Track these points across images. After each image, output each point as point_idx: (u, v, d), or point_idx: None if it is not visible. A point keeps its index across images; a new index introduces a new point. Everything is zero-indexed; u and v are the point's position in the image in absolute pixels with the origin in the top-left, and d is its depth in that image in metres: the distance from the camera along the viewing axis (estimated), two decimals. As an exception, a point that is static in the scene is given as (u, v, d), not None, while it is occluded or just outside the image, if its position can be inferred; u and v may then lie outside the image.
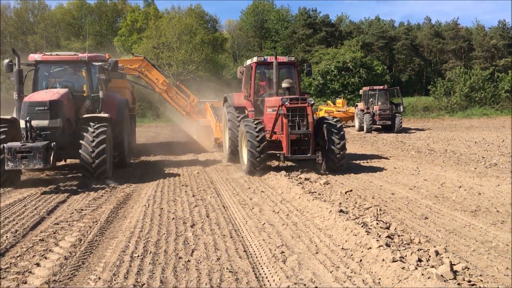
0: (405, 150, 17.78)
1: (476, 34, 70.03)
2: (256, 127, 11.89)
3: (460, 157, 15.37)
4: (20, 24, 62.16)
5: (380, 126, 28.36)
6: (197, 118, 21.46)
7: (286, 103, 11.67)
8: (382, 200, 9.09)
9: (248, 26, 69.39)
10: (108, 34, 64.19)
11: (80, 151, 10.86)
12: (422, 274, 4.88)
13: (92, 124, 11.19)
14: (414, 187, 10.40)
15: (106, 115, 11.80)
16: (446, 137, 23.53)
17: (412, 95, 54.65)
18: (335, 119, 12.93)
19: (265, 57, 13.78)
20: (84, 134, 10.97)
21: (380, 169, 13.25)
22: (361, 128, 28.76)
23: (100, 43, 60.44)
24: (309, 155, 11.90)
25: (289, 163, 13.92)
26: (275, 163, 14.01)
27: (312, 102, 12.19)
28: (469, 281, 4.91)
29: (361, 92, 30.27)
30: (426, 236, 6.69)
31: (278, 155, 12.13)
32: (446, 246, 6.24)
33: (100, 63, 12.46)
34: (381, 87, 29.24)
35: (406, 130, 29.04)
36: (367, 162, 14.87)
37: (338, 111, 33.87)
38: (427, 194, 9.61)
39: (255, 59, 13.79)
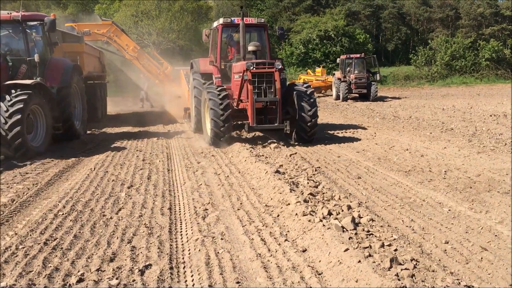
0: (370, 117, 17.98)
1: (464, 3, 69.57)
2: (219, 94, 11.01)
3: (421, 123, 15.60)
4: (-1, -8, 60.89)
5: (357, 95, 28.46)
6: (171, 86, 21.17)
7: (251, 68, 10.82)
8: (325, 162, 9.31)
9: (234, -7, 68.39)
10: (90, 2, 63.16)
11: None
12: (323, 225, 5.12)
13: (13, 92, 10.11)
14: (363, 150, 10.62)
15: (29, 81, 10.66)
16: (417, 104, 23.73)
17: (394, 64, 54.71)
18: (305, 86, 12.07)
19: (233, 19, 12.79)
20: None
21: (337, 134, 13.49)
22: (338, 97, 28.80)
23: (82, 11, 59.51)
24: (276, 124, 11.09)
25: (259, 134, 13.43)
26: (244, 134, 13.39)
27: (280, 66, 11.18)
28: (368, 231, 5.14)
29: (338, 60, 30.22)
30: (350, 194, 6.92)
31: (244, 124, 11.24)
32: (365, 202, 6.49)
33: (36, 23, 11.51)
34: (358, 55, 29.17)
35: (382, 99, 29.17)
36: (329, 129, 15.06)
37: (317, 80, 33.85)
38: (371, 156, 9.83)
39: (221, 20, 12.82)
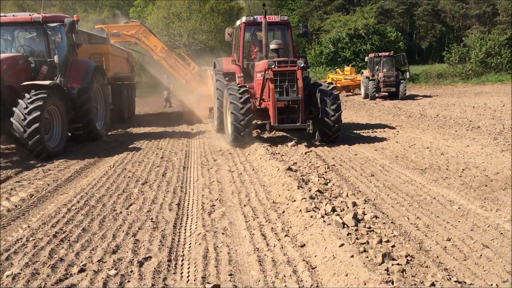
0: (396, 116, 17.71)
1: (501, -1, 67.45)
2: (241, 97, 10.80)
3: (448, 121, 15.27)
4: (38, -3, 63.12)
5: (386, 93, 28.03)
6: (198, 86, 21.32)
7: (273, 66, 10.67)
8: (341, 160, 9.26)
9: (265, -6, 68.51)
10: (125, 6, 64.70)
11: (13, 121, 9.73)
12: (324, 221, 5.14)
13: (27, 93, 10.03)
14: (382, 148, 10.51)
15: (46, 82, 10.58)
16: (447, 102, 23.21)
17: (426, 62, 53.56)
18: (329, 84, 11.79)
19: (255, 17, 12.63)
20: (16, 107, 9.84)
21: (358, 133, 13.35)
22: (366, 96, 28.48)
23: (115, 15, 61.03)
24: (298, 124, 10.82)
25: (283, 134, 13.21)
26: (265, 133, 13.07)
27: (303, 65, 10.93)
28: (369, 228, 5.11)
29: (366, 59, 29.90)
30: (359, 191, 6.88)
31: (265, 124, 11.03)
32: (373, 199, 6.44)
33: (56, 24, 11.52)
34: (387, 53, 28.76)
35: (412, 97, 28.65)
36: (351, 127, 14.93)
37: (346, 78, 33.57)
38: (389, 154, 9.71)
39: (243, 19, 12.65)
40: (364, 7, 58.52)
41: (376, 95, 27.84)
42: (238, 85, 11.42)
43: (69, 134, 12.07)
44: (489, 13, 70.01)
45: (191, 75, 21.86)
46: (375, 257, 4.16)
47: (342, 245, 4.44)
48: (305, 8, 65.09)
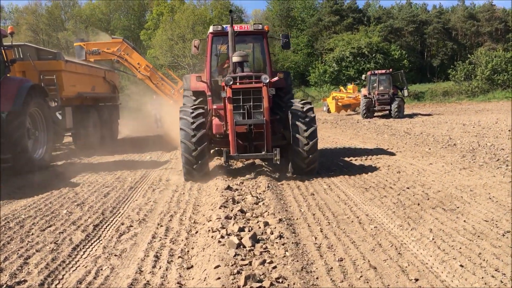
0: (379, 134, 17.38)
1: (513, 16, 66.83)
2: (193, 122, 9.09)
3: (428, 138, 14.93)
4: (52, 21, 64.83)
5: (387, 112, 27.59)
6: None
7: (231, 83, 8.94)
8: (292, 179, 9.06)
9: (274, 15, 69.12)
10: (136, 29, 66.04)
11: None
12: (219, 242, 5.00)
13: None
14: (341, 166, 10.29)
15: None
16: (442, 120, 22.78)
17: (432, 80, 53.00)
18: (303, 102, 9.71)
19: (224, 26, 10.46)
20: None
21: (331, 152, 13.10)
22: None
23: (127, 38, 62.25)
24: (263, 153, 8.96)
25: (260, 163, 11.18)
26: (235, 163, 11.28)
27: (268, 80, 9.07)
28: (265, 248, 4.92)
29: (363, 77, 29.68)
30: (287, 210, 6.68)
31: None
32: (296, 219, 6.24)
33: None
34: (383, 71, 28.51)
35: (412, 116, 28.21)
36: (329, 146, 14.69)
37: (349, 97, 33.33)
38: (346, 172, 9.49)
39: (211, 29, 10.66)
40: (367, 26, 58.51)
41: (378, 113, 27.55)
42: (194, 105, 9.96)
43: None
44: (501, 30, 69.37)
45: (179, 94, 21.46)
46: (240, 279, 3.97)
47: (217, 266, 4.28)
48: (314, 28, 65.27)
